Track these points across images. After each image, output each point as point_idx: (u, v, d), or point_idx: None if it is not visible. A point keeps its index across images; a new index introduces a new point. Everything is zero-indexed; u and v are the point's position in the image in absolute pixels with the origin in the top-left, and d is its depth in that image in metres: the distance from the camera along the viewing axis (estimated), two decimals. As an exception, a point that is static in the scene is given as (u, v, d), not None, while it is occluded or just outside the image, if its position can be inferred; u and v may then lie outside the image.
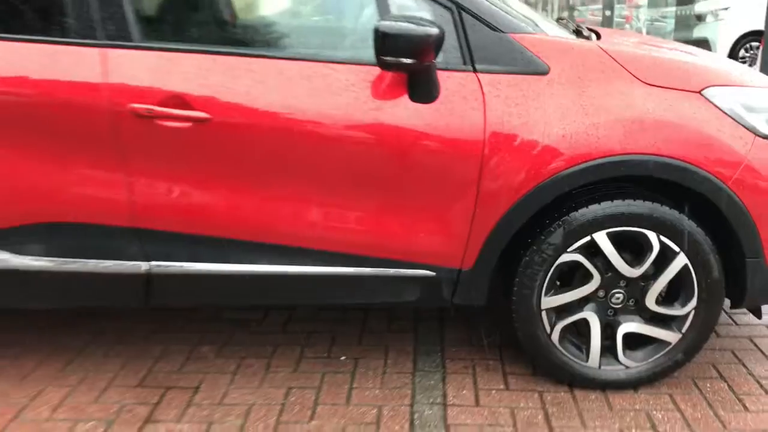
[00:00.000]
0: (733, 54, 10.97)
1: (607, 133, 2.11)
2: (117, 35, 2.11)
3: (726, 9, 11.82)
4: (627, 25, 10.40)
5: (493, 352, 2.62)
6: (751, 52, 10.93)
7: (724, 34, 11.45)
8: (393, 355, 2.61)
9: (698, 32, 11.40)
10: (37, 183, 2.16)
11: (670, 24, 9.87)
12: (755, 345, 2.66)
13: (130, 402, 2.33)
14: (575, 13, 13.62)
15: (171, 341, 2.73)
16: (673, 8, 9.78)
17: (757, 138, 2.17)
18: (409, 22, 1.98)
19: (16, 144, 2.13)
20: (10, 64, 2.11)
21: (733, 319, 2.88)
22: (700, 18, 11.27)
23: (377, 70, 2.10)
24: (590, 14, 12.52)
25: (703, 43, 11.09)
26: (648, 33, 9.83)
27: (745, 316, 2.87)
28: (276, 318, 2.93)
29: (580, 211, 2.18)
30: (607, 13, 10.44)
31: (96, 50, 2.09)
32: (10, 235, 2.20)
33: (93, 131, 2.11)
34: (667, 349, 2.32)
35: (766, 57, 7.14)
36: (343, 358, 2.60)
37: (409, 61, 1.99)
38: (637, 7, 10.68)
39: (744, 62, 10.61)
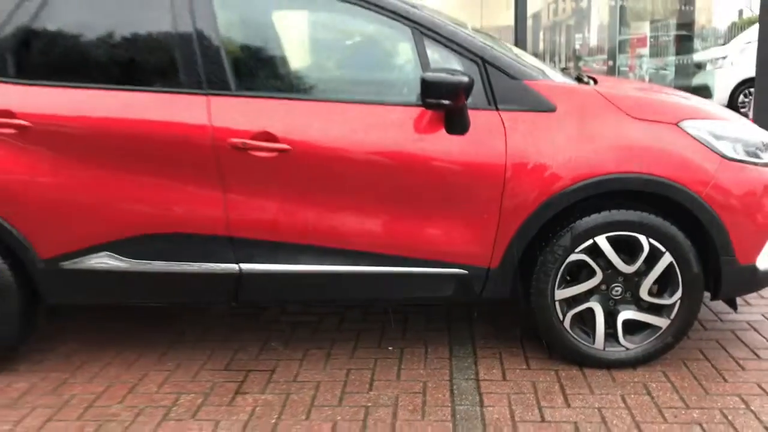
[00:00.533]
0: (732, 100, 11.58)
1: (603, 157, 2.67)
2: (217, 86, 2.72)
3: (724, 58, 12.53)
4: (630, 74, 11.06)
5: (515, 342, 3.13)
6: (750, 98, 11.52)
7: (723, 81, 12.11)
8: (432, 347, 3.13)
9: (699, 80, 12.03)
10: (151, 202, 2.74)
11: (671, 72, 10.52)
12: (736, 336, 3.16)
13: (220, 380, 2.86)
14: (582, 63, 14.33)
15: (245, 338, 3.27)
16: (673, 57, 10.44)
17: (723, 160, 2.72)
18: (446, 72, 2.57)
19: (136, 170, 2.72)
20: (133, 108, 2.72)
21: (719, 317, 3.38)
22: (699, 66, 11.93)
23: (419, 110, 2.70)
24: (596, 64, 13.23)
25: (704, 90, 11.73)
26: (650, 80, 10.46)
27: (730, 315, 3.37)
28: (331, 320, 3.46)
29: (584, 219, 2.72)
30: (611, 62, 11.12)
31: (203, 97, 2.70)
32: (125, 244, 2.78)
33: (198, 160, 2.70)
34: (659, 333, 2.83)
35: (759, 103, 7.74)
36: (390, 348, 3.12)
37: (446, 102, 2.58)
38: (640, 57, 11.37)
39: (743, 107, 11.20)
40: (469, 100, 2.66)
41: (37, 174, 2.74)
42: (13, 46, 2.80)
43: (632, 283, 2.80)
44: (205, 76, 2.73)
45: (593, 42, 15.07)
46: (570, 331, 2.83)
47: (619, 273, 2.78)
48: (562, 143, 2.68)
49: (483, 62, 2.74)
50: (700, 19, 10.35)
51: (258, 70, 2.90)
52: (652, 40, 11.45)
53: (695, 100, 3.21)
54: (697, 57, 12.26)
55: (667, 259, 2.74)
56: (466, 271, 2.78)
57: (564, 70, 3.32)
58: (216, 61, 2.74)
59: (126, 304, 3.33)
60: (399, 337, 3.25)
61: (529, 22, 25.39)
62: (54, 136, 2.73)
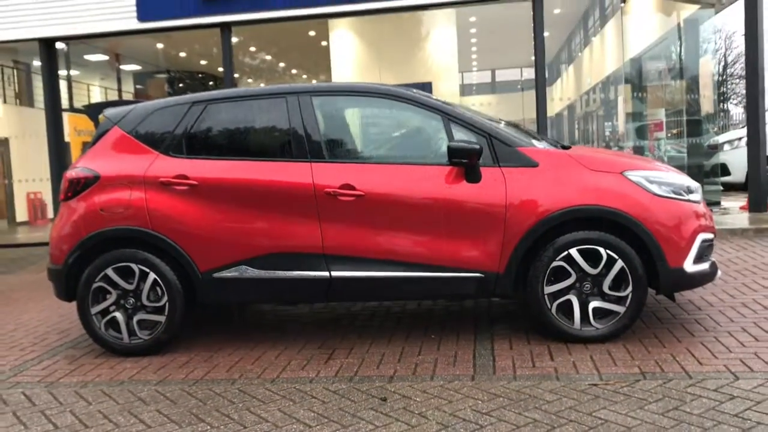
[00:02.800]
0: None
1: (571, 194, 4.03)
2: (316, 156, 4.23)
3: (740, 139, 13.85)
4: (648, 154, 12.38)
5: (522, 331, 4.40)
6: None
7: (739, 159, 13.37)
8: (462, 335, 4.42)
9: (716, 159, 13.26)
10: (274, 231, 4.20)
11: (685, 153, 11.81)
12: (683, 327, 4.35)
13: (317, 353, 4.21)
14: (615, 148, 15.70)
15: (329, 333, 4.63)
16: (686, 139, 11.74)
17: (654, 197, 4.05)
18: (464, 143, 4.03)
19: (264, 212, 4.20)
20: (265, 172, 4.23)
21: (674, 316, 4.59)
22: (713, 148, 13.20)
23: (448, 168, 4.13)
24: (627, 149, 14.67)
25: (723, 167, 12.97)
26: (668, 160, 11.71)
27: (683, 315, 4.58)
28: (389, 323, 4.80)
29: (562, 237, 4.05)
30: (638, 144, 12.52)
31: (308, 164, 4.21)
32: (256, 260, 4.23)
33: (305, 203, 4.16)
34: (618, 317, 4.07)
35: (751, 175, 8.97)
36: (433, 336, 4.43)
37: (465, 161, 4.02)
38: (657, 139, 12.72)
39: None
40: (480, 160, 4.09)
41: (201, 215, 4.25)
42: (185, 136, 4.39)
43: (597, 281, 4.08)
44: (309, 150, 4.24)
45: (620, 129, 16.54)
46: (556, 316, 4.10)
47: (587, 274, 4.07)
48: (543, 187, 4.06)
49: (489, 136, 4.19)
50: (705, 106, 11.69)
51: (342, 145, 4.42)
52: (668, 124, 12.81)
53: (639, 159, 4.56)
54: (716, 139, 13.58)
55: (619, 264, 4.03)
56: (482, 275, 4.12)
57: (556, 143, 4.72)
58: (316, 140, 4.26)
59: (256, 302, 4.76)
60: (438, 330, 4.56)
61: (565, 113, 27.27)
62: (211, 190, 4.25)
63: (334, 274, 4.18)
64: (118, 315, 4.34)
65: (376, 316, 5.01)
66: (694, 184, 4.29)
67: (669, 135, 12.84)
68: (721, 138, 14.36)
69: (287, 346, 4.40)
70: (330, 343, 4.40)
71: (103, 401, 3.60)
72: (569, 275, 4.08)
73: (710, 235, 4.21)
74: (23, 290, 7.16)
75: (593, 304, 4.08)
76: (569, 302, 4.10)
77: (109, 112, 4.65)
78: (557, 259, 4.06)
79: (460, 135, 4.20)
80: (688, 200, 4.17)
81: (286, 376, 3.82)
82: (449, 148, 4.03)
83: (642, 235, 4.00)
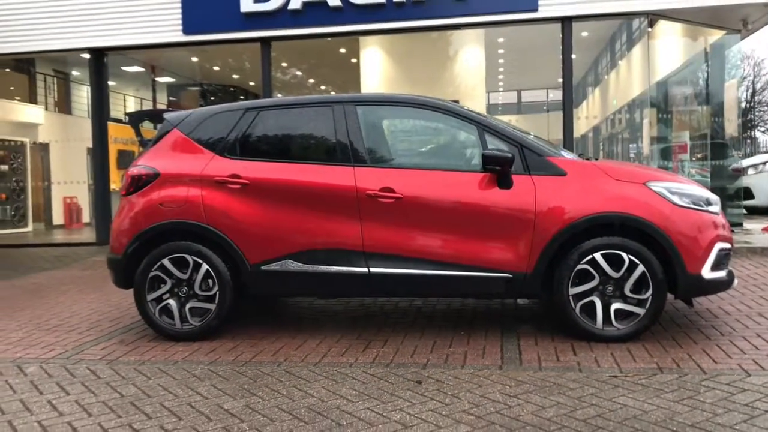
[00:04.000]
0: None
1: (596, 202, 4.33)
2: (359, 161, 4.57)
3: (765, 163, 14.03)
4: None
5: (547, 330, 4.68)
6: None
7: (764, 183, 13.54)
8: (490, 332, 4.71)
9: (740, 183, 13.44)
10: (318, 229, 4.54)
11: (708, 175, 12.03)
12: (700, 331, 4.61)
13: (354, 343, 4.53)
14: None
15: (364, 326, 4.94)
16: (710, 162, 11.95)
17: (674, 206, 4.33)
18: (498, 151, 4.35)
19: (309, 211, 4.55)
20: (311, 175, 4.58)
21: (691, 321, 4.84)
22: (737, 171, 13.38)
23: (481, 174, 4.44)
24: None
25: (747, 190, 13.12)
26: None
27: (700, 321, 4.83)
28: (421, 320, 5.11)
29: (587, 242, 4.34)
30: (659, 166, 12.77)
31: (351, 168, 4.55)
32: (302, 255, 4.57)
33: (347, 204, 4.50)
34: (638, 318, 4.33)
35: None
36: (462, 332, 4.73)
37: (498, 168, 4.34)
38: (681, 161, 12.94)
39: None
40: (512, 168, 4.40)
41: (251, 212, 4.60)
42: (239, 139, 4.76)
43: (619, 284, 4.35)
44: (352, 155, 4.59)
45: (645, 151, 16.74)
46: (579, 316, 4.38)
47: (610, 277, 4.35)
48: (570, 194, 4.36)
49: (521, 146, 4.50)
50: (729, 130, 11.91)
51: (383, 152, 4.77)
52: (692, 147, 13.02)
53: (662, 172, 4.84)
54: (743, 162, 13.76)
55: (641, 268, 4.30)
56: (511, 275, 4.42)
57: (580, 155, 5.02)
58: (359, 146, 4.61)
59: (299, 294, 5.14)
60: (467, 327, 4.86)
61: (591, 134, 27.43)
62: (261, 189, 4.61)
63: (373, 270, 4.50)
64: (172, 302, 4.70)
65: (408, 315, 5.32)
66: (713, 197, 4.56)
67: (693, 158, 13.07)
68: (746, 162, 14.52)
69: (326, 336, 4.72)
70: (366, 335, 4.72)
71: (161, 377, 3.95)
72: (593, 278, 4.36)
73: (727, 245, 4.48)
74: (72, 284, 7.58)
75: (615, 305, 4.35)
76: (592, 303, 4.37)
77: (170, 115, 5.04)
78: (582, 262, 4.34)
79: (494, 144, 4.52)
80: (707, 211, 4.44)
81: (327, 361, 4.14)
82: (484, 156, 4.36)
83: (663, 242, 4.28)
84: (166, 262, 4.69)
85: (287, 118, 4.84)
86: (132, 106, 20.10)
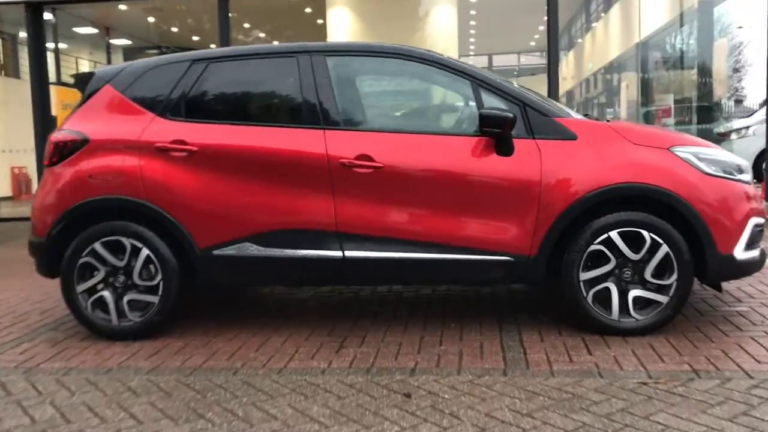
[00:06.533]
0: (756, 167, 12.39)
1: (612, 171, 3.63)
2: (330, 123, 3.80)
3: (747, 128, 13.52)
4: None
5: (551, 321, 4.02)
6: (772, 164, 12.31)
7: (745, 149, 13.04)
8: (485, 323, 4.03)
9: (724, 147, 12.96)
10: (282, 205, 3.78)
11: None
12: (727, 319, 3.99)
13: (326, 341, 3.81)
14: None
15: (338, 319, 4.22)
16: (695, 126, 11.41)
17: (704, 175, 3.66)
18: (497, 110, 3.61)
19: (271, 184, 3.78)
20: (273, 140, 3.80)
21: (713, 308, 4.22)
22: (722, 135, 12.86)
23: (476, 138, 3.71)
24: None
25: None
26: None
27: (723, 307, 4.21)
28: (404, 308, 4.41)
29: (601, 218, 3.66)
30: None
31: (321, 131, 3.78)
32: (262, 237, 3.81)
33: (317, 175, 3.74)
34: (661, 307, 3.69)
35: None
36: (453, 325, 4.04)
37: (497, 131, 3.61)
38: (665, 125, 12.37)
39: (768, 173, 11.97)
40: (513, 131, 3.68)
41: (200, 185, 3.82)
42: (184, 97, 3.95)
43: (639, 268, 3.69)
44: (322, 116, 3.81)
45: (623, 115, 16.19)
46: (592, 306, 3.72)
47: (628, 260, 3.68)
48: (582, 161, 3.66)
49: (523, 104, 3.77)
50: (717, 92, 11.36)
51: (359, 112, 4.00)
52: (676, 111, 12.47)
53: (686, 136, 4.17)
54: (723, 127, 13.24)
55: (664, 249, 3.64)
56: (512, 258, 3.72)
57: (587, 115, 4.32)
58: (330, 105, 3.83)
59: (260, 284, 4.36)
60: (458, 318, 4.17)
61: (563, 99, 27.01)
62: (212, 158, 3.82)
63: (348, 253, 3.77)
64: (107, 294, 3.92)
65: (387, 302, 4.61)
66: (744, 163, 3.90)
67: (677, 122, 12.51)
68: (728, 126, 14.02)
69: (292, 333, 3.99)
70: (340, 330, 4.00)
71: (88, 391, 3.19)
72: (608, 260, 3.69)
73: (761, 220, 3.83)
74: (7, 266, 6.70)
75: (633, 292, 3.70)
76: (607, 290, 3.71)
77: (101, 69, 4.20)
78: (595, 242, 3.67)
79: (491, 103, 3.78)
80: (740, 180, 3.78)
81: (294, 366, 3.42)
82: (481, 116, 3.62)
83: (690, 218, 3.62)
84: (98, 246, 3.89)
85: (243, 72, 4.03)
86: (86, 69, 18.90)
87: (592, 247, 3.68)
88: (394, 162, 3.72)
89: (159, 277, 3.87)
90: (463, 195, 3.71)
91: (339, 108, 3.85)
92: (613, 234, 3.66)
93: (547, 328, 3.92)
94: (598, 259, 3.71)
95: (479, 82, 3.82)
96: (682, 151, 3.71)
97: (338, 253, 3.77)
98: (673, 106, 12.67)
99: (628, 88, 16.56)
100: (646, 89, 13.83)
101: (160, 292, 3.88)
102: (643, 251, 3.66)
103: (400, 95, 4.31)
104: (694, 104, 11.60)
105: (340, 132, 3.79)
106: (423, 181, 3.72)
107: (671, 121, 12.65)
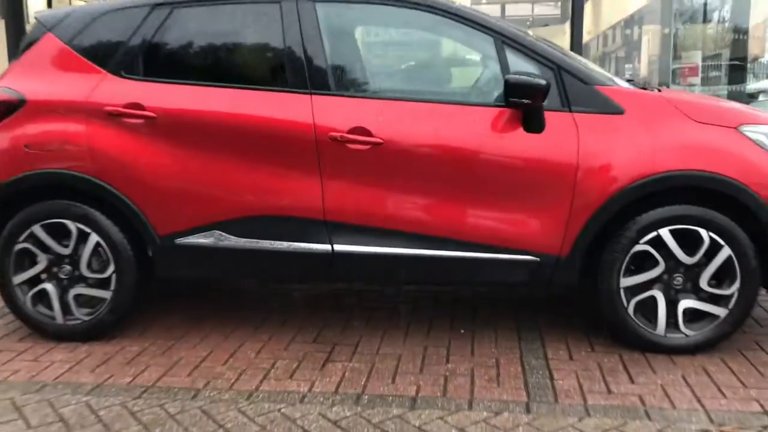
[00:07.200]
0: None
1: (669, 154, 2.93)
2: (319, 86, 3.08)
3: (780, 88, 12.61)
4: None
5: (579, 329, 3.37)
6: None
7: (776, 112, 12.19)
8: (501, 331, 3.39)
9: (752, 109, 12.11)
10: (259, 186, 3.09)
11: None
12: (791, 332, 3.35)
13: (311, 351, 3.17)
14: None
15: (327, 317, 3.58)
16: (726, 87, 10.56)
17: (781, 163, 2.95)
18: (527, 76, 2.88)
19: (245, 159, 3.08)
20: (248, 105, 3.08)
21: (765, 308, 3.57)
22: (752, 96, 11.99)
23: (499, 110, 3.00)
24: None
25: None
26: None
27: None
28: (405, 306, 3.75)
29: (649, 212, 2.97)
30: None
31: (307, 96, 3.06)
32: (234, 224, 3.13)
33: (301, 150, 3.04)
34: (717, 321, 3.03)
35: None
36: (462, 331, 3.39)
37: (526, 102, 2.89)
38: (691, 85, 11.50)
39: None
40: (545, 102, 2.96)
41: (160, 160, 3.12)
42: (143, 50, 3.21)
43: (693, 273, 3.02)
44: (309, 78, 3.09)
45: (643, 72, 15.23)
46: (634, 318, 3.06)
47: (680, 264, 3.01)
48: (631, 142, 2.95)
49: (558, 68, 3.04)
50: (753, 49, 10.45)
51: (355, 74, 3.26)
52: (704, 70, 11.57)
53: (759, 111, 3.43)
54: (750, 87, 12.35)
55: (726, 252, 2.96)
56: (538, 259, 3.05)
57: (630, 81, 3.60)
58: (319, 64, 3.10)
59: (231, 278, 3.72)
60: (469, 321, 3.52)
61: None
62: (175, 126, 3.11)
63: (338, 247, 3.10)
64: (49, 287, 3.27)
65: (384, 299, 3.94)
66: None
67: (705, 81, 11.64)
68: (754, 86, 13.13)
69: (272, 335, 3.35)
70: (327, 336, 3.36)
71: (7, 420, 2.56)
72: (656, 264, 3.01)
73: None
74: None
75: (685, 303, 3.03)
76: (653, 300, 3.05)
77: (42, 14, 3.45)
78: (642, 241, 2.99)
79: (519, 66, 3.05)
80: (823, 169, 3.06)
81: (268, 389, 2.78)
82: (507, 83, 2.89)
83: (762, 216, 2.92)
84: (37, 230, 3.22)
85: (214, 20, 3.27)
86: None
87: (637, 247, 3.00)
88: (397, 137, 3.01)
89: (111, 268, 3.22)
90: (480, 179, 3.02)
91: (330, 68, 3.12)
92: (664, 232, 2.98)
93: (575, 337, 3.27)
94: (644, 261, 3.03)
95: (504, 39, 3.08)
96: (753, 132, 2.99)
97: (326, 247, 3.10)
98: (700, 64, 11.76)
99: (650, 42, 15.57)
100: (669, 45, 12.89)
101: (112, 287, 3.23)
102: (700, 254, 2.98)
103: (407, 54, 3.54)
104: (726, 63, 10.72)
105: (330, 98, 3.08)
106: (432, 161, 3.02)
107: (697, 80, 11.77)
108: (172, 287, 4.09)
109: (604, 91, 3.03)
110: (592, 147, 2.96)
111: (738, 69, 10.74)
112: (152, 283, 3.41)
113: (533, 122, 2.97)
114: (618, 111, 3.00)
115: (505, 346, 3.19)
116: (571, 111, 3.01)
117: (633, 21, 17.92)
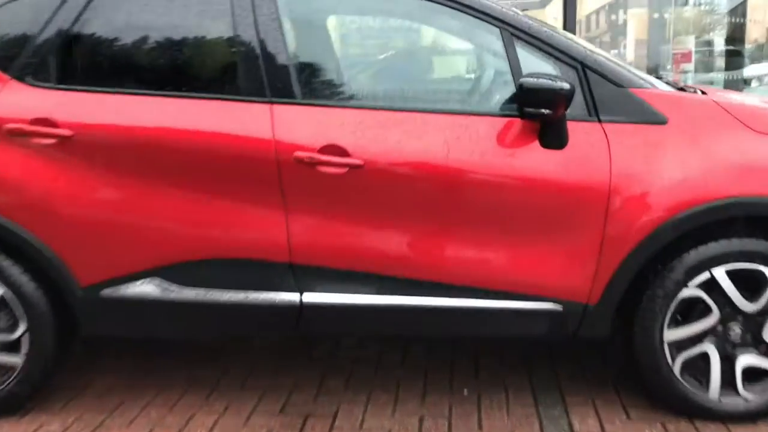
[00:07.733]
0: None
1: (722, 178, 2.31)
2: (281, 93, 2.41)
3: (776, 73, 12.10)
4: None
5: (608, 387, 2.76)
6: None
7: (768, 97, 11.70)
8: (512, 390, 2.76)
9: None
10: (207, 222, 2.42)
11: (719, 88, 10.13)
12: None
13: (276, 427, 2.52)
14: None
15: (298, 375, 2.93)
16: (722, 73, 10.02)
17: None
18: (547, 78, 2.24)
19: (189, 188, 2.41)
20: (191, 118, 2.40)
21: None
22: (746, 82, 11.48)
23: (507, 120, 2.36)
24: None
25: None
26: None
27: None
28: (393, 355, 3.12)
29: (699, 248, 2.36)
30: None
31: (266, 105, 2.39)
32: (176, 270, 2.46)
33: (260, 175, 2.37)
34: (786, 382, 2.44)
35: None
36: (465, 392, 2.76)
37: (546, 111, 2.24)
38: (685, 72, 10.94)
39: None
40: (567, 110, 2.32)
41: (79, 190, 2.44)
42: (56, 49, 2.51)
43: (754, 323, 2.42)
44: (268, 82, 2.41)
45: (629, 57, 14.68)
46: (680, 378, 2.45)
47: (738, 311, 2.40)
48: (674, 161, 2.33)
49: (582, 67, 2.40)
50: (752, 34, 9.90)
51: (325, 76, 2.58)
52: (697, 55, 11.03)
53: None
54: (746, 73, 11.83)
55: (796, 297, 2.36)
56: (560, 307, 2.42)
57: (659, 78, 2.98)
58: (281, 64, 2.43)
59: (175, 337, 3.03)
60: (472, 376, 2.89)
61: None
62: (97, 147, 2.43)
63: (308, 297, 2.44)
64: (-56, 351, 2.58)
65: (369, 347, 3.26)
66: None
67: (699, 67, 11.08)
68: (750, 72, 12.62)
69: (229, 404, 2.69)
70: (298, 401, 2.70)
71: None
72: (708, 312, 2.40)
73: None
74: None
75: (744, 359, 2.43)
76: (704, 356, 2.44)
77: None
78: (690, 284, 2.37)
79: (533, 65, 2.40)
80: None
81: (219, 494, 2.13)
82: (522, 88, 2.24)
83: (844, 253, 2.32)
84: None
85: (147, 9, 2.57)
86: None
87: (685, 292, 2.38)
88: (381, 158, 2.35)
89: (22, 327, 2.53)
90: (486, 210, 2.38)
91: (295, 69, 2.44)
92: (719, 273, 2.36)
93: (603, 398, 2.66)
94: (693, 309, 2.42)
95: (514, 31, 2.42)
96: (829, 145, 2.37)
97: (293, 297, 2.44)
98: (693, 49, 11.21)
99: (637, 26, 15.03)
100: (663, 29, 12.33)
101: (24, 350, 2.55)
102: (764, 299, 2.37)
103: (390, 51, 2.86)
104: (723, 48, 10.17)
105: (296, 107, 2.41)
106: (425, 187, 2.37)
107: (691, 66, 11.22)
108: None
109: (641, 95, 2.40)
110: (629, 166, 2.33)
111: (734, 54, 10.21)
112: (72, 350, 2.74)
113: (553, 135, 2.33)
114: (659, 120, 2.37)
115: (519, 414, 2.57)
116: (600, 121, 2.37)
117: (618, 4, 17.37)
